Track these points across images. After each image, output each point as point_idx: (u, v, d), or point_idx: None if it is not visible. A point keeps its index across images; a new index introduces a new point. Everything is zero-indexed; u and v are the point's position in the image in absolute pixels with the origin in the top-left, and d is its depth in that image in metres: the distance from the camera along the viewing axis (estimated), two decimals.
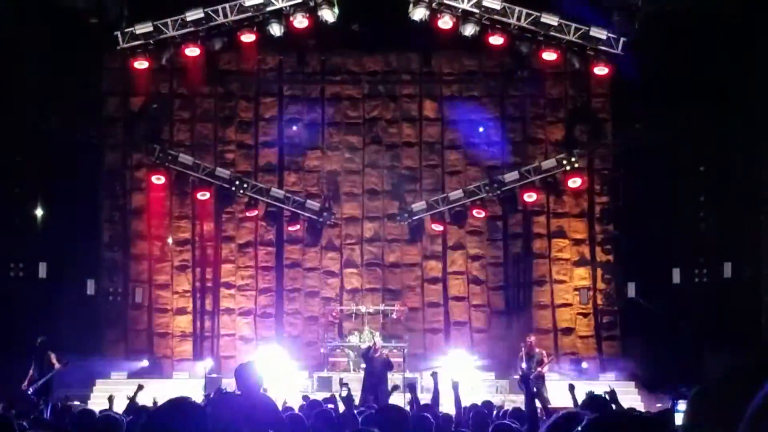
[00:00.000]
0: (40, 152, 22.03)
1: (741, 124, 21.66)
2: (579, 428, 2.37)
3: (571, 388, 12.10)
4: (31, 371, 17.36)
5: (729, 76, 21.06)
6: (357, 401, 14.56)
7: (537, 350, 18.92)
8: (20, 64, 21.47)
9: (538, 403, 17.50)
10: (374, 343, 18.60)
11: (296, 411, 8.64)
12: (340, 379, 19.54)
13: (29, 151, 22.08)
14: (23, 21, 21.17)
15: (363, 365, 18.69)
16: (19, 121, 21.75)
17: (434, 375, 11.75)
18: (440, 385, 11.39)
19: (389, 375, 18.00)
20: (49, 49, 21.66)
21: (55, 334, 19.69)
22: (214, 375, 20.03)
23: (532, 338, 19.75)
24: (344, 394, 8.30)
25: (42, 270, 22.02)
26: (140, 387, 11.80)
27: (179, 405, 3.18)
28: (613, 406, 9.35)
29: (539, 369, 18.45)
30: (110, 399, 10.65)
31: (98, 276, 22.98)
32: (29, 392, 16.55)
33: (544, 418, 10.73)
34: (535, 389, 17.97)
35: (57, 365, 17.35)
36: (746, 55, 20.76)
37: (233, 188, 22.75)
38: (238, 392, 6.76)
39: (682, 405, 9.13)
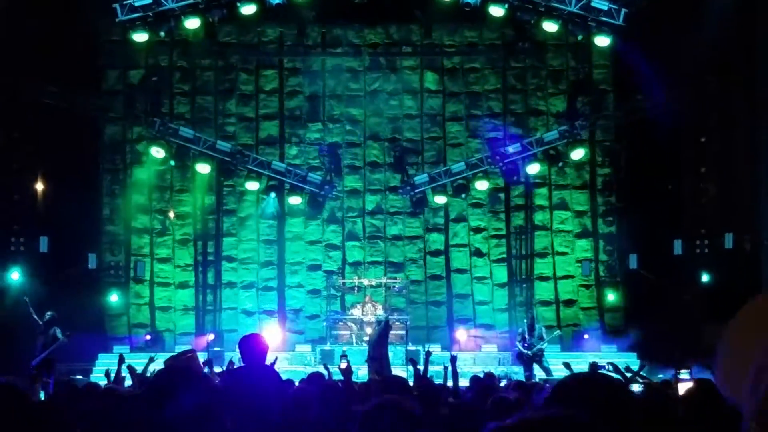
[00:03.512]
0: (39, 126, 21.92)
1: (743, 95, 21.52)
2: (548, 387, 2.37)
3: (567, 365, 12.16)
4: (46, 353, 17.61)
5: (731, 47, 20.90)
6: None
7: (538, 325, 19.02)
8: (19, 38, 21.30)
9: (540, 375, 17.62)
10: (387, 316, 18.69)
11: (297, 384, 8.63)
12: (342, 351, 19.55)
13: (29, 125, 21.97)
14: None
15: (372, 335, 18.53)
16: (19, 95, 21.63)
17: (427, 354, 11.85)
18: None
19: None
20: (48, 22, 21.48)
21: (56, 309, 19.76)
22: (217, 349, 20.06)
23: (534, 312, 19.81)
24: (344, 366, 8.29)
25: (43, 244, 21.98)
26: (151, 359, 11.68)
27: (177, 371, 3.14)
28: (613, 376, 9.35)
29: (540, 345, 18.54)
30: (130, 368, 10.52)
31: (99, 250, 22.97)
32: (31, 366, 16.59)
33: (547, 386, 10.77)
34: (534, 363, 18.11)
35: (60, 339, 17.41)
36: (748, 25, 20.58)
37: (234, 161, 22.69)
38: (242, 364, 6.77)
39: (684, 374, 9.16)
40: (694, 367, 15.41)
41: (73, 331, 18.42)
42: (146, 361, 11.50)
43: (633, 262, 22.93)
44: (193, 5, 21.50)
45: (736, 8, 20.34)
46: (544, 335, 18.89)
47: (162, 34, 22.18)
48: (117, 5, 21.39)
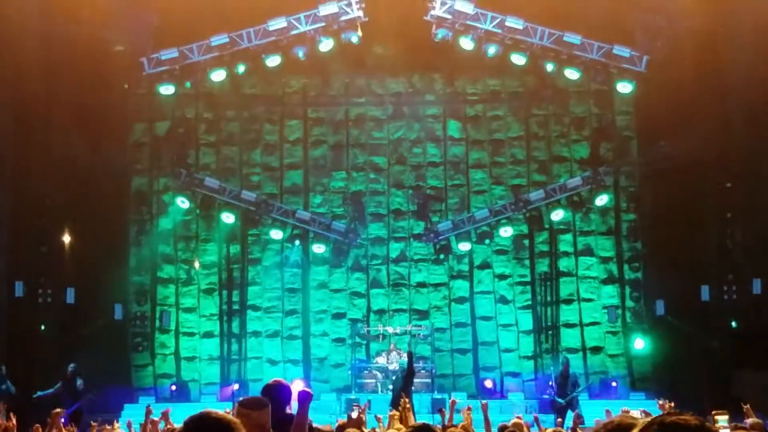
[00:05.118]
0: (67, 178, 22.18)
1: (766, 140, 21.43)
2: None
3: (607, 413, 12.06)
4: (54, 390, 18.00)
5: (754, 92, 20.88)
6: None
7: (572, 372, 18.89)
8: (47, 92, 21.69)
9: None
10: (408, 348, 18.67)
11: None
12: (353, 401, 19.48)
13: (56, 177, 22.24)
14: (49, 50, 21.39)
15: (396, 382, 18.53)
16: (46, 148, 21.93)
17: (452, 403, 11.79)
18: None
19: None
20: (76, 76, 21.87)
21: (83, 360, 19.88)
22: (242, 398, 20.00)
23: (568, 360, 19.69)
24: (354, 415, 8.23)
25: (70, 296, 22.12)
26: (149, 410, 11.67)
27: (203, 422, 3.12)
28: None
29: (574, 393, 18.41)
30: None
31: (126, 300, 23.06)
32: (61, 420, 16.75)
33: None
34: (569, 410, 17.95)
35: (85, 395, 17.86)
36: None
37: (259, 210, 22.83)
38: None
39: (722, 422, 8.95)
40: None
41: (97, 384, 18.69)
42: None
43: (660, 308, 22.72)
44: (218, 58, 21.84)
45: (760, 53, 20.36)
46: (579, 382, 18.72)
47: (188, 86, 22.51)
48: (144, 59, 21.77)
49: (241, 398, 5.81)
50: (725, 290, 22.16)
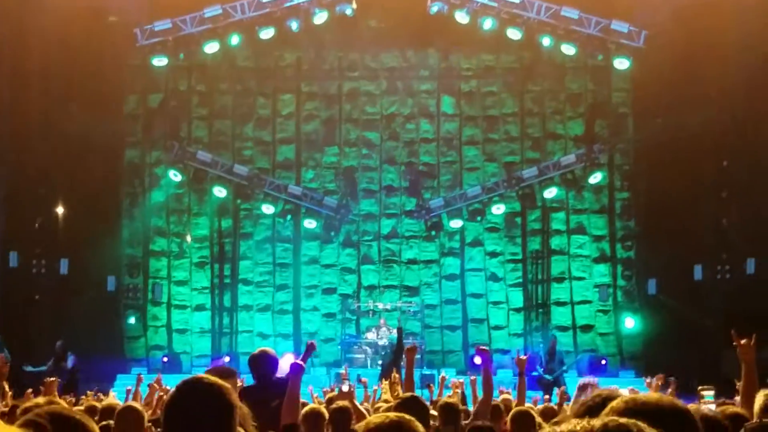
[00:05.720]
0: (60, 150, 22.10)
1: (764, 118, 21.36)
2: None
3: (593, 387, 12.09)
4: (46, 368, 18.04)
5: (752, 69, 20.79)
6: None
7: (558, 350, 18.95)
8: (42, 64, 21.56)
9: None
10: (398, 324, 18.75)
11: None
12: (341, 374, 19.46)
13: (50, 149, 22.15)
14: (44, 21, 21.23)
15: (387, 349, 18.63)
16: (40, 120, 21.83)
17: (442, 380, 11.83)
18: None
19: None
20: (70, 47, 21.73)
21: (75, 331, 19.92)
22: None
23: (555, 337, 19.69)
24: (345, 389, 8.22)
25: (63, 267, 22.12)
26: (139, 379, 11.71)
27: (195, 386, 3.10)
28: None
29: (561, 370, 18.47)
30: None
31: (118, 273, 23.04)
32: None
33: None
34: (555, 387, 18.01)
35: (76, 373, 18.03)
36: None
37: (251, 185, 22.75)
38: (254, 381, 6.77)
39: (709, 397, 8.83)
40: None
41: (90, 355, 18.74)
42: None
43: (652, 287, 22.73)
44: (211, 30, 21.70)
45: (758, 29, 20.24)
46: (565, 360, 18.78)
47: (181, 57, 22.36)
48: (137, 30, 21.61)
49: (210, 368, 5.79)
50: (719, 269, 22.13)
